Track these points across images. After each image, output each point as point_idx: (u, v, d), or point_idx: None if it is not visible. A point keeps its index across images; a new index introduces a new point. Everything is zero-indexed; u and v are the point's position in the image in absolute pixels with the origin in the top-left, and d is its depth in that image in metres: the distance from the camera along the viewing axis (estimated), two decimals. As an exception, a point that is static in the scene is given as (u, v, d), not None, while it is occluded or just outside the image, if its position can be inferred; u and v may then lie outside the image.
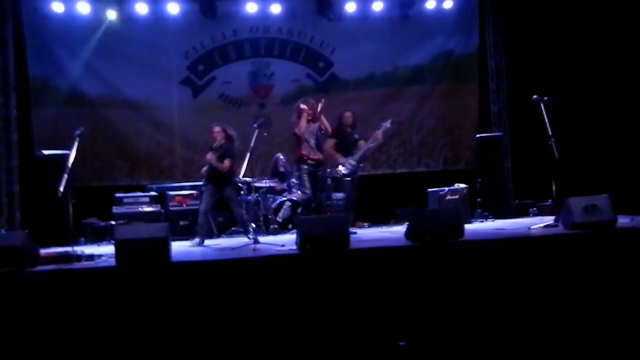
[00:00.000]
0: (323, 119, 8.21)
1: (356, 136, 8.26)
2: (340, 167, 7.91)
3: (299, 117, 8.11)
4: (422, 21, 10.51)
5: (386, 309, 5.18)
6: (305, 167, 7.52)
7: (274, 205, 8.64)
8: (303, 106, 8.11)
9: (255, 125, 7.32)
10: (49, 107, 9.66)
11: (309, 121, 7.89)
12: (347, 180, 7.92)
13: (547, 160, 6.84)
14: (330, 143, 8.12)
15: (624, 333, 5.16)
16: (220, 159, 7.52)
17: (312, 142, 8.06)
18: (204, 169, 7.74)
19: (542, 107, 6.89)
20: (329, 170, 8.03)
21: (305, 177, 7.40)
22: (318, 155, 7.69)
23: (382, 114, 10.47)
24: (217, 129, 7.79)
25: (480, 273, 5.37)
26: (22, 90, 9.50)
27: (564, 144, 6.93)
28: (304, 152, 7.97)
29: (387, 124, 8.12)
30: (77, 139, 6.33)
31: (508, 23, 10.51)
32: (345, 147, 8.11)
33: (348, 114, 8.22)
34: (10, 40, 9.37)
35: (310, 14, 10.29)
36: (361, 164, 8.25)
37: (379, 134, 7.98)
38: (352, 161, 7.98)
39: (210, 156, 7.54)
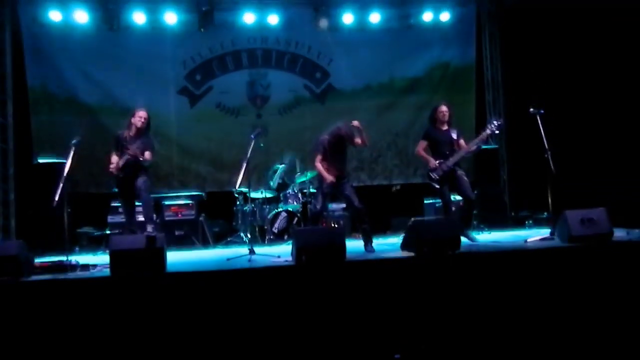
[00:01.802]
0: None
1: (454, 135, 7.30)
2: (432, 173, 7.20)
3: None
4: (420, 32, 10.53)
5: (382, 321, 5.17)
6: (326, 183, 6.90)
7: (269, 216, 8.63)
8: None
9: (252, 136, 7.29)
10: (47, 114, 9.65)
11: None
12: (437, 187, 7.19)
13: (543, 172, 6.85)
14: (421, 145, 7.36)
15: (621, 345, 5.15)
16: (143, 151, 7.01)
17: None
18: (118, 164, 7.15)
19: (539, 120, 6.90)
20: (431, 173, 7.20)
21: (322, 192, 6.91)
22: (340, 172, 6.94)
23: (379, 125, 10.54)
24: (143, 114, 7.20)
25: (476, 285, 5.36)
26: (18, 98, 9.49)
27: (561, 156, 6.94)
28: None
29: (498, 122, 7.26)
30: (73, 148, 6.33)
31: (505, 35, 10.55)
32: (440, 148, 7.24)
33: (444, 109, 7.32)
34: (8, 48, 9.38)
35: (308, 24, 10.29)
36: (458, 168, 7.21)
37: (485, 135, 7.19)
38: (444, 167, 7.15)
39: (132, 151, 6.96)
